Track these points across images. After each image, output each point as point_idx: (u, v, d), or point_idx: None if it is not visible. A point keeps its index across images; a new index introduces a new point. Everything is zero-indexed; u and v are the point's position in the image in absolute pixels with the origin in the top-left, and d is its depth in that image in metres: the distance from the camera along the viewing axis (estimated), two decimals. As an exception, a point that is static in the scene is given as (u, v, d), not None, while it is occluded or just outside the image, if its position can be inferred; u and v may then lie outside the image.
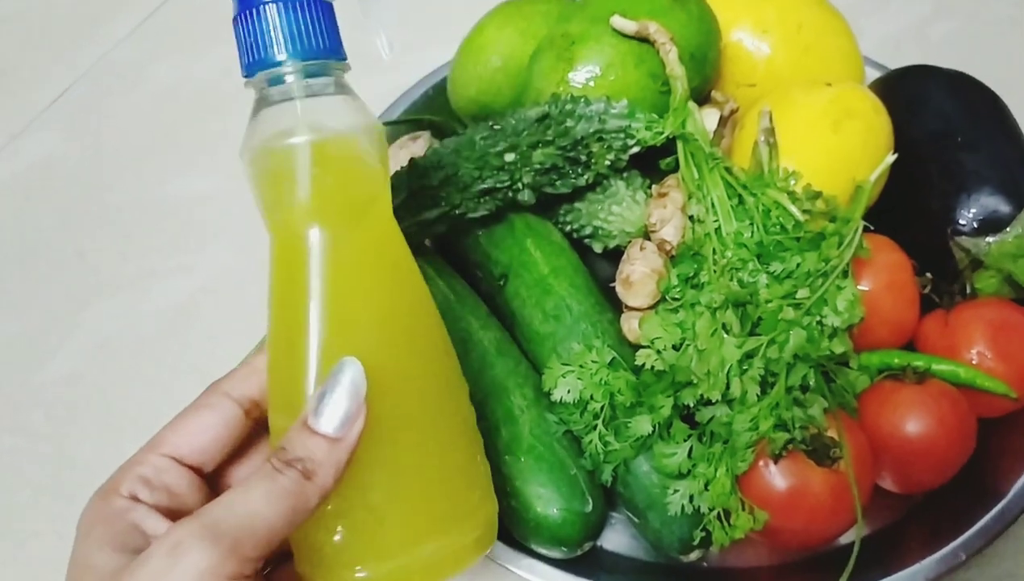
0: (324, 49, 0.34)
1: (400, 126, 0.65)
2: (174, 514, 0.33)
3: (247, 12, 0.33)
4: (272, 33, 0.33)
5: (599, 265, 0.57)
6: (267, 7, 0.33)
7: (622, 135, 0.52)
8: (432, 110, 0.67)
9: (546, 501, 0.47)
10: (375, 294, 0.35)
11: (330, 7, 0.35)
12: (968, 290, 0.54)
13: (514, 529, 0.48)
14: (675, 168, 0.53)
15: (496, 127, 0.52)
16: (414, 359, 0.36)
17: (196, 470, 0.36)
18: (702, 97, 0.59)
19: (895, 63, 0.64)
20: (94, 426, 0.60)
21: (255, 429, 0.37)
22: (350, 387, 0.32)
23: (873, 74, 0.65)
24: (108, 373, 0.62)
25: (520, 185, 0.53)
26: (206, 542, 0.28)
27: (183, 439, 0.35)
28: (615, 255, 0.54)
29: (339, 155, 0.34)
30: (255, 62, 0.34)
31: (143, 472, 0.34)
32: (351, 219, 0.34)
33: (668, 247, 0.51)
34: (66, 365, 0.63)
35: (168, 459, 0.35)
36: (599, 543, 0.51)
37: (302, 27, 0.33)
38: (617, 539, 0.52)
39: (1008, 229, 0.53)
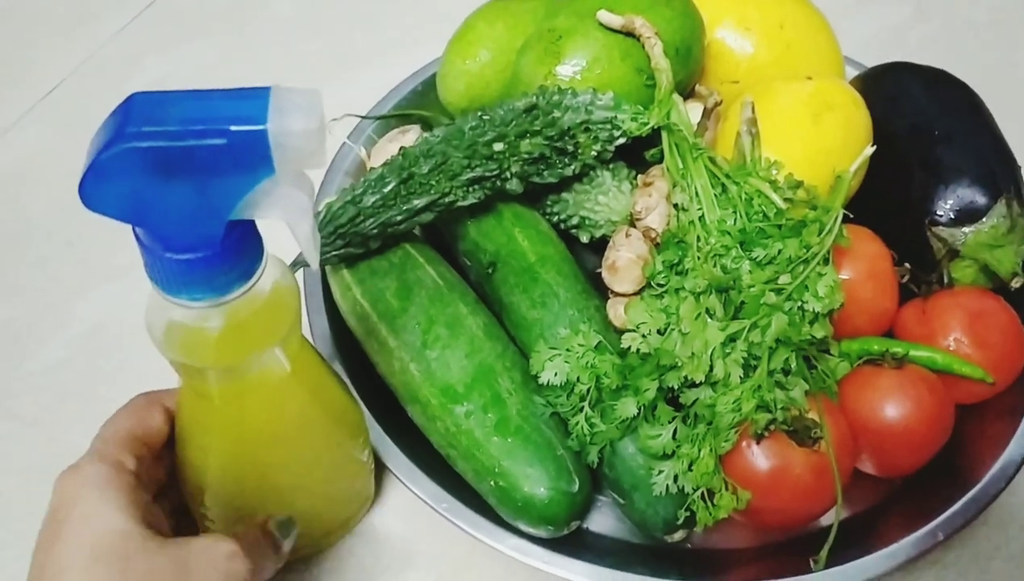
0: (234, 282, 0.34)
1: (390, 121, 0.66)
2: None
3: (159, 257, 0.33)
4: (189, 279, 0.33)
5: (585, 256, 0.58)
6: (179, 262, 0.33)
7: (608, 126, 0.54)
8: (422, 105, 0.68)
9: (534, 481, 0.47)
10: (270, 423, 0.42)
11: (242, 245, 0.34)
12: (945, 279, 0.55)
13: (501, 508, 0.48)
14: (660, 159, 0.54)
15: (485, 117, 0.53)
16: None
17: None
18: (686, 92, 0.60)
19: (874, 64, 0.65)
20: (83, 412, 0.59)
21: None
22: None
23: (853, 73, 0.66)
24: (97, 361, 0.63)
25: (508, 174, 0.53)
26: None
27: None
28: (600, 246, 0.55)
29: (247, 318, 0.36)
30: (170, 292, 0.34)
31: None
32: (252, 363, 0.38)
33: (653, 234, 0.52)
34: (56, 353, 0.63)
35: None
36: (585, 525, 0.52)
37: (215, 277, 0.33)
38: (603, 521, 0.53)
39: (984, 220, 0.54)
